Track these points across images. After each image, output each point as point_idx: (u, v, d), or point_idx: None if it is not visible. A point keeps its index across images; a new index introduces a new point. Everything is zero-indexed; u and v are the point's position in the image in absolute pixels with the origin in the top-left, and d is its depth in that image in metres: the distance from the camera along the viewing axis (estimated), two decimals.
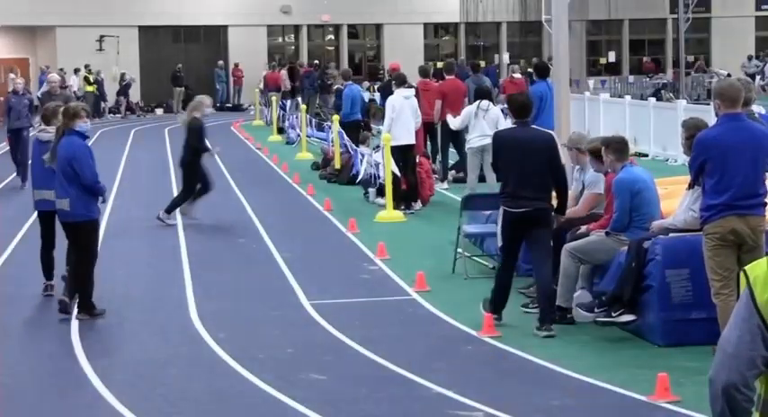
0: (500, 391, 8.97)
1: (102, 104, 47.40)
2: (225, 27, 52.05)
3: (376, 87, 40.04)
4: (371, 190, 20.14)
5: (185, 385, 9.41)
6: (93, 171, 11.74)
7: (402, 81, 19.97)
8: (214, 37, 52.53)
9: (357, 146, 22.67)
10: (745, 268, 3.53)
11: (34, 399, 9.19)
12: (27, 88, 25.68)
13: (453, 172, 21.92)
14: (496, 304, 11.01)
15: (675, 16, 43.31)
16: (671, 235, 10.14)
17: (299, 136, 30.80)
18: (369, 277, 13.67)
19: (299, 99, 39.62)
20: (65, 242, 12.21)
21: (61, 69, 46.37)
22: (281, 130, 35.29)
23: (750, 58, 50.80)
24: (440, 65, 42.63)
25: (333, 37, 55.29)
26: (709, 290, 9.25)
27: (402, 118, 18.56)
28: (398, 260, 14.39)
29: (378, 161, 20.04)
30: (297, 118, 32.48)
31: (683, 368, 9.19)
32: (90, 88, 46.16)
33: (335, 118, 24.64)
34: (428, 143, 22.38)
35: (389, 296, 12.61)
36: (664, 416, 8.24)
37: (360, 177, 21.32)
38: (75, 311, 11.81)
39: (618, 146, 10.98)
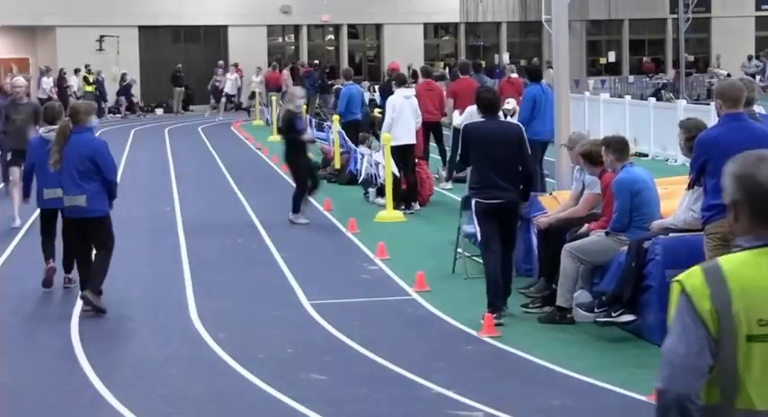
0: (500, 391, 8.97)
1: (102, 104, 47.39)
2: (225, 27, 52.04)
3: (376, 87, 40.02)
4: (371, 190, 20.14)
5: (185, 385, 9.41)
6: (115, 166, 12.21)
7: (402, 81, 19.96)
8: (214, 37, 52.51)
9: (356, 145, 22.68)
10: (679, 278, 3.57)
11: (34, 399, 9.19)
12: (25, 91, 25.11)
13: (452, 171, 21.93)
14: (496, 298, 11.08)
15: (675, 16, 43.32)
16: (671, 234, 10.14)
17: None
18: (369, 277, 13.67)
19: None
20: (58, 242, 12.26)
21: (62, 69, 46.42)
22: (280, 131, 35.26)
23: (750, 58, 50.79)
24: (439, 65, 42.72)
25: (333, 37, 55.29)
26: None
27: (402, 118, 18.56)
28: (398, 260, 14.39)
29: (378, 161, 20.05)
30: None
31: None
32: (89, 88, 46.15)
33: (335, 118, 24.63)
34: (429, 142, 22.40)
35: (389, 296, 12.61)
36: None
37: (361, 177, 21.33)
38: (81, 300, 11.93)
39: (618, 146, 10.98)
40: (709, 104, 24.76)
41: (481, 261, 12.46)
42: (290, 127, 17.97)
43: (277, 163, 26.78)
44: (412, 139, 18.78)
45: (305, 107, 32.24)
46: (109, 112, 48.07)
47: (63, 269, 13.04)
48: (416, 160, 19.20)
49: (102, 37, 49.71)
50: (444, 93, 22.25)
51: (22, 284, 13.47)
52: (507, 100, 22.82)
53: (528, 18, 53.51)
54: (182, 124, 41.74)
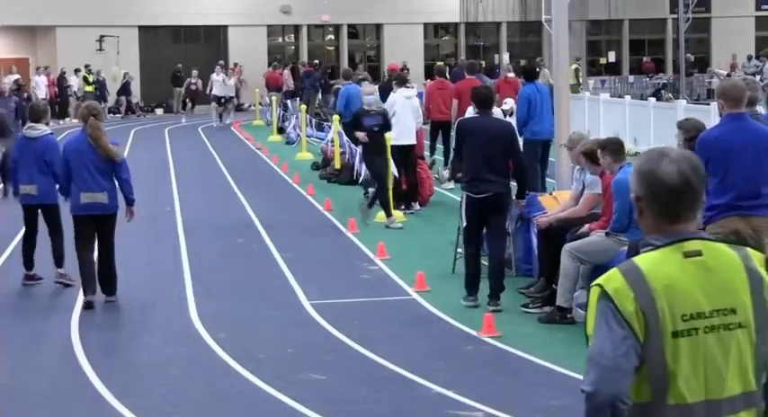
0: (500, 391, 8.97)
1: (103, 104, 47.41)
2: (225, 27, 52.06)
3: (376, 87, 40.00)
4: (371, 190, 20.12)
5: (185, 385, 9.41)
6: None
7: (403, 81, 19.97)
8: (214, 37, 52.53)
9: (356, 145, 22.70)
10: (598, 282, 3.60)
11: (34, 399, 9.19)
12: (15, 90, 24.63)
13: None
14: (471, 286, 11.79)
15: (675, 16, 43.33)
16: None
17: (299, 136, 30.81)
18: (369, 277, 13.67)
19: (299, 99, 39.64)
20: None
21: (62, 70, 46.43)
22: (281, 130, 35.29)
23: (750, 58, 50.79)
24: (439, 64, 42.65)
25: (333, 37, 55.30)
26: None
27: (402, 118, 18.55)
28: (398, 260, 14.39)
29: None
30: (297, 118, 32.48)
31: None
32: (89, 88, 46.17)
33: (335, 118, 24.64)
34: (437, 141, 22.46)
35: (389, 296, 12.61)
36: None
37: (361, 177, 21.33)
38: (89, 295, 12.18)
39: (614, 147, 10.98)
40: (708, 104, 24.77)
41: (481, 261, 12.48)
42: (356, 123, 17.80)
43: (277, 163, 26.80)
44: (412, 139, 18.77)
45: (305, 107, 32.28)
46: (109, 112, 48.10)
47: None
48: (416, 160, 19.19)
49: (102, 37, 49.72)
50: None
51: (22, 283, 13.46)
52: (505, 100, 22.85)
53: (528, 18, 53.51)
54: (182, 124, 41.73)
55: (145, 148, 32.51)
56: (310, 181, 22.58)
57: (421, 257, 14.51)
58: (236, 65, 48.81)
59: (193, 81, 42.47)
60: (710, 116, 20.54)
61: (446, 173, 21.84)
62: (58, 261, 13.32)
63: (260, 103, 42.28)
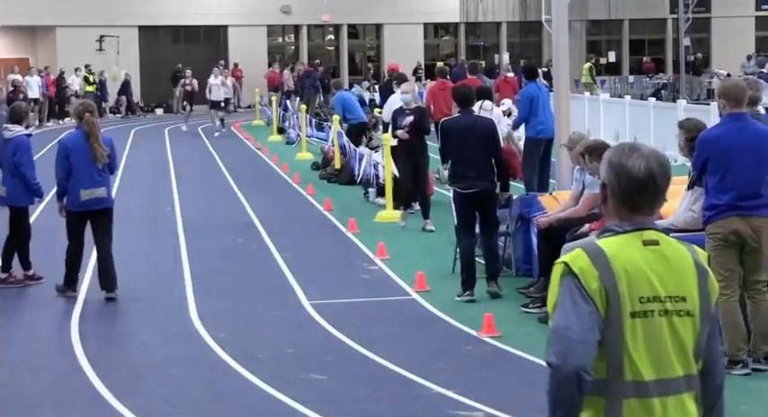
0: (500, 391, 8.97)
1: (103, 104, 47.40)
2: (225, 27, 52.07)
3: (376, 87, 40.05)
4: (371, 190, 20.14)
5: (185, 385, 9.41)
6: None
7: (403, 81, 19.95)
8: (214, 37, 52.54)
9: (357, 146, 22.72)
10: (564, 260, 3.82)
11: (34, 399, 9.18)
12: (12, 91, 24.38)
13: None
14: (469, 278, 12.06)
15: (675, 16, 43.34)
16: (671, 235, 10.11)
17: (299, 136, 30.81)
18: (369, 277, 13.67)
19: (298, 99, 39.66)
20: None
21: (61, 70, 46.42)
22: (281, 130, 35.30)
23: (749, 58, 50.77)
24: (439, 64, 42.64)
25: (333, 37, 55.30)
26: None
27: None
28: (398, 260, 14.39)
29: (378, 161, 20.05)
30: (297, 118, 32.49)
31: None
32: (90, 88, 46.17)
33: (335, 118, 24.65)
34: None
35: (389, 296, 12.61)
36: None
37: (360, 177, 21.34)
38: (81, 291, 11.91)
39: (600, 151, 10.88)
40: (708, 104, 24.76)
41: (482, 261, 12.50)
42: (394, 123, 17.64)
43: (277, 163, 26.80)
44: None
45: (305, 107, 32.29)
46: (109, 112, 48.11)
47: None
48: None
49: (102, 37, 49.73)
50: None
51: (21, 283, 13.47)
52: (503, 101, 22.88)
53: (528, 18, 53.53)
54: (182, 124, 41.70)
55: (145, 148, 32.52)
56: (310, 181, 22.59)
57: (421, 257, 14.51)
58: (236, 65, 48.84)
59: (188, 82, 39.15)
60: (710, 116, 20.54)
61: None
62: (15, 264, 13.37)
63: (260, 103, 42.27)
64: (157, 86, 49.86)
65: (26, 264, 13.48)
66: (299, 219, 18.45)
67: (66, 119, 43.77)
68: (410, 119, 16.98)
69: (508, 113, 21.54)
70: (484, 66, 36.26)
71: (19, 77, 42.67)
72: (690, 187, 9.73)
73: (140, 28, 50.52)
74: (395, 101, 18.86)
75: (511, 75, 26.58)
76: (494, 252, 12.45)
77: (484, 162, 12.19)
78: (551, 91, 19.29)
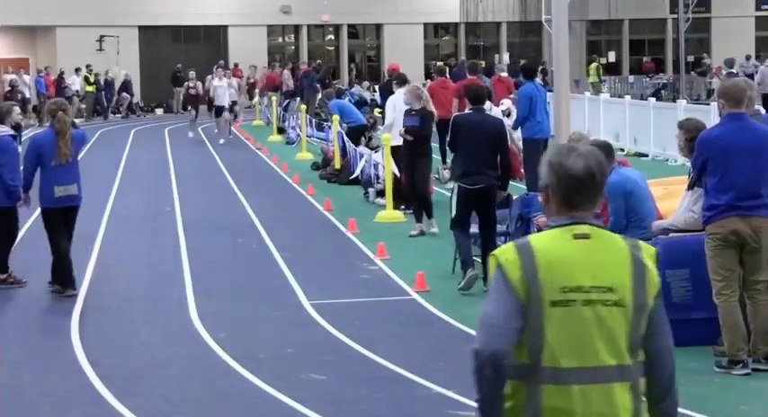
0: None
1: (107, 105, 47.40)
2: (225, 27, 52.07)
3: (376, 87, 40.06)
4: (371, 190, 20.14)
5: (185, 385, 9.41)
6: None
7: (403, 81, 19.95)
8: (214, 37, 52.54)
9: (356, 146, 22.72)
10: (495, 253, 4.05)
11: (34, 399, 9.19)
12: (9, 92, 24.25)
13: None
14: (467, 257, 12.47)
15: (675, 16, 43.32)
16: (671, 235, 10.13)
17: (298, 136, 30.81)
18: (369, 277, 13.67)
19: (298, 99, 39.67)
20: None
21: (61, 70, 46.43)
22: (281, 130, 35.29)
23: (748, 58, 50.79)
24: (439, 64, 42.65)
25: (333, 37, 55.31)
26: (708, 290, 9.24)
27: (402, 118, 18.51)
28: (398, 260, 14.39)
29: (378, 161, 20.04)
30: (297, 118, 32.49)
31: (682, 368, 9.13)
32: (90, 88, 46.17)
33: (335, 118, 24.66)
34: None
35: (389, 296, 12.61)
36: None
37: (360, 177, 21.33)
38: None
39: (604, 150, 10.90)
40: (708, 104, 24.76)
41: (480, 260, 12.53)
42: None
43: (277, 163, 26.80)
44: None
45: (305, 107, 32.29)
46: (110, 112, 48.10)
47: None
48: None
49: (102, 37, 49.73)
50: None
51: (21, 283, 13.46)
52: (502, 101, 22.91)
53: (528, 18, 53.53)
54: (182, 124, 41.70)
55: (145, 148, 32.52)
56: (310, 181, 22.59)
57: (421, 257, 14.51)
58: (236, 65, 48.82)
59: (191, 85, 36.36)
60: (710, 116, 20.54)
61: (446, 173, 21.84)
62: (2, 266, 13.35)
63: (259, 103, 42.27)
64: (157, 86, 49.86)
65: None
66: (299, 219, 18.45)
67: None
68: (416, 119, 16.93)
69: (507, 113, 21.54)
70: (484, 66, 36.28)
71: (14, 77, 42.70)
72: (690, 187, 9.72)
73: (140, 28, 50.52)
74: (395, 100, 18.85)
75: (505, 74, 26.59)
76: (493, 246, 12.40)
77: (490, 160, 12.54)
78: (550, 90, 19.31)
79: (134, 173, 25.74)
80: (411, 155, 16.81)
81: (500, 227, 13.18)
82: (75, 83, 46.17)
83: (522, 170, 19.39)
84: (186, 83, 37.69)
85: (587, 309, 3.95)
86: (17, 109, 13.93)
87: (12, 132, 13.69)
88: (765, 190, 9.13)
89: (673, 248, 10.00)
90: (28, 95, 42.63)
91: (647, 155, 25.81)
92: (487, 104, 18.70)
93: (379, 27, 54.56)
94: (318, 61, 48.33)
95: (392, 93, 20.02)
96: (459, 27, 55.33)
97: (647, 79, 49.16)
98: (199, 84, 36.39)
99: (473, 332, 10.69)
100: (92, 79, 46.34)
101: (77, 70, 46.60)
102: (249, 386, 9.22)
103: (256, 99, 43.29)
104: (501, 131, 12.89)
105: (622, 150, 25.44)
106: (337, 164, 23.65)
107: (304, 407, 8.55)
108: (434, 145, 23.15)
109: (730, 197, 9.04)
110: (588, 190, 4.03)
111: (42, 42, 50.32)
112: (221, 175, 25.12)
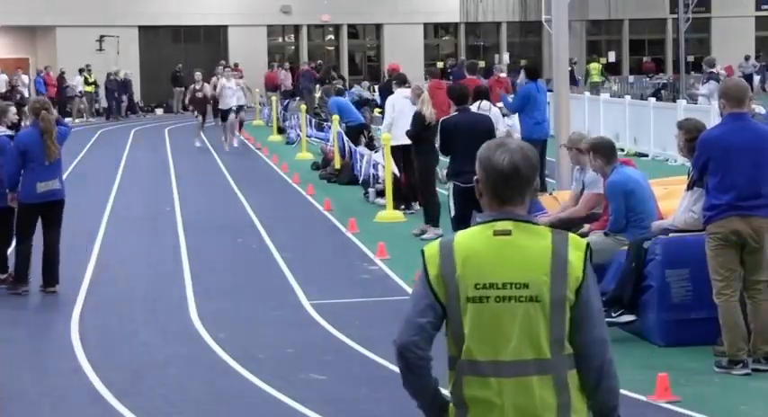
0: None
1: (114, 105, 47.39)
2: (225, 27, 52.07)
3: (376, 87, 40.06)
4: (371, 190, 20.14)
5: (185, 385, 9.41)
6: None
7: (403, 81, 19.96)
8: (214, 37, 52.54)
9: (356, 146, 22.72)
10: (422, 249, 4.22)
11: (34, 399, 9.19)
12: (8, 92, 24.24)
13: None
14: None
15: (675, 16, 43.31)
16: (671, 235, 10.13)
17: (298, 136, 30.81)
18: (369, 277, 13.67)
19: (297, 99, 39.68)
20: None
21: (61, 70, 46.43)
22: (281, 130, 35.29)
23: (747, 58, 50.83)
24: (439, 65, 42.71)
25: (333, 37, 55.31)
26: (708, 290, 9.24)
27: (402, 118, 18.51)
28: (398, 260, 14.38)
29: (378, 161, 20.04)
30: (297, 117, 32.48)
31: (682, 368, 9.18)
32: (89, 88, 46.17)
33: (335, 118, 24.66)
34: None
35: (389, 296, 12.60)
36: (664, 416, 8.24)
37: (361, 177, 21.33)
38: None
39: (605, 150, 10.86)
40: (709, 104, 24.74)
41: None
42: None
43: (277, 163, 26.80)
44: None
45: (305, 107, 32.28)
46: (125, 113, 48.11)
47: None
48: None
49: (102, 37, 49.73)
50: None
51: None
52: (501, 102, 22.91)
53: (528, 18, 53.51)
54: (182, 124, 41.71)
55: (145, 148, 32.52)
56: (310, 181, 22.58)
57: (421, 257, 14.48)
58: (236, 65, 48.81)
59: (198, 87, 32.46)
60: (710, 116, 20.54)
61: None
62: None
63: (259, 103, 42.28)
64: (157, 86, 49.86)
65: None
66: (299, 219, 18.45)
67: (68, 119, 43.79)
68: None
69: (505, 113, 21.54)
70: (483, 66, 36.33)
71: (7, 78, 42.71)
72: (690, 187, 9.72)
73: (140, 28, 50.52)
74: (395, 100, 18.84)
75: (503, 75, 26.61)
76: None
77: None
78: (550, 90, 19.33)
79: (134, 173, 25.74)
80: (409, 156, 17.02)
81: (450, 200, 13.31)
82: (78, 83, 46.17)
83: None
84: (192, 85, 33.67)
85: (501, 305, 4.03)
86: (13, 108, 13.88)
87: (9, 132, 13.64)
88: (766, 190, 9.13)
89: (673, 248, 10.01)
90: (27, 95, 42.59)
91: (647, 155, 25.81)
92: (486, 104, 18.74)
93: (379, 27, 54.56)
94: (319, 61, 48.34)
95: (392, 92, 20.02)
96: (459, 27, 55.33)
97: (647, 79, 49.15)
98: (206, 85, 32.34)
99: None
100: (90, 79, 46.32)
101: (81, 71, 46.60)
102: (249, 386, 9.22)
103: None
104: (489, 128, 13.19)
105: (622, 150, 25.41)
106: (337, 164, 23.65)
107: (304, 407, 8.55)
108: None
109: (731, 197, 9.03)
110: (515, 184, 4.10)
111: (42, 42, 50.32)
112: (221, 175, 25.12)
